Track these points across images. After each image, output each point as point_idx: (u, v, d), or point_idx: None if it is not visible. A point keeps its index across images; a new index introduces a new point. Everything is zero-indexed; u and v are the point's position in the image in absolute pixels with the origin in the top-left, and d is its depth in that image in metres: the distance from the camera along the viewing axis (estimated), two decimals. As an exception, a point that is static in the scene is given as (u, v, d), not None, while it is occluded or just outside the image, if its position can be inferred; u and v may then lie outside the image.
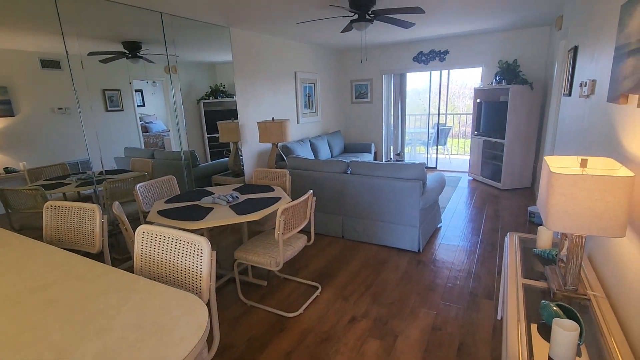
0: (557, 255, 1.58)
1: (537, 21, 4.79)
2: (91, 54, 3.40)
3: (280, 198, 2.68)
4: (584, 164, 1.35)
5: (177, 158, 4.38)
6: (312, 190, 2.52)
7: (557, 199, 1.25)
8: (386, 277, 2.82)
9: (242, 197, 2.76)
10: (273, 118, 4.45)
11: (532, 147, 5.03)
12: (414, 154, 8.07)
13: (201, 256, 1.38)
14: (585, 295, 1.37)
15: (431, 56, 6.13)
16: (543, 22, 4.96)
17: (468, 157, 7.98)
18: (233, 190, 3.02)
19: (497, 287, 2.61)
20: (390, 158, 5.47)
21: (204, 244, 1.38)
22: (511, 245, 1.87)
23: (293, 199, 3.79)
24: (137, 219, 3.18)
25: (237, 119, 4.53)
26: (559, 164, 1.44)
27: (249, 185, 3.17)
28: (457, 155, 8.21)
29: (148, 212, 2.76)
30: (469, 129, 8.88)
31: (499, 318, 2.22)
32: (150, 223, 2.62)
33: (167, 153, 4.47)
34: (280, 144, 4.91)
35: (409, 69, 6.36)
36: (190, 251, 1.42)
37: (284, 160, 4.53)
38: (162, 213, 2.44)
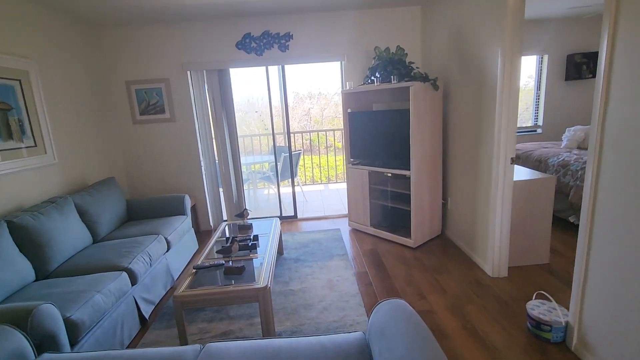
0: None
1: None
2: None
3: None
4: None
5: None
6: None
7: None
8: None
9: None
10: None
11: (438, 178, 3.36)
12: (255, 192, 5.52)
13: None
14: None
15: (266, 42, 3.75)
16: (414, 1, 3.43)
17: (321, 188, 6.13)
18: None
19: None
20: (230, 236, 2.71)
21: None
22: None
23: None
24: None
25: None
26: None
27: None
28: (308, 186, 6.20)
29: None
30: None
31: None
32: None
33: None
34: None
35: (231, 61, 3.77)
36: None
37: None
38: None
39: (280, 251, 3.32)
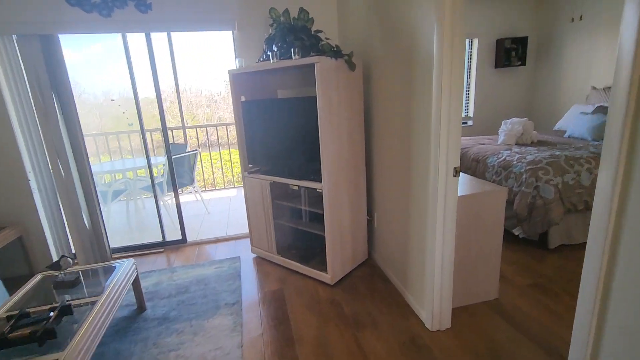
0: None
1: None
2: None
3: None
4: None
5: None
6: None
7: None
8: None
9: None
10: None
11: (361, 188, 2.56)
12: (136, 206, 4.26)
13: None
14: None
15: (117, -3, 2.57)
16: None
17: (232, 193, 4.95)
18: None
19: None
20: (21, 310, 1.54)
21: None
22: None
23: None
24: None
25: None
26: None
27: None
28: (217, 192, 5.09)
29: None
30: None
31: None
32: None
33: None
34: None
35: (61, 24, 2.51)
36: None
37: None
38: None
39: (141, 306, 2.25)
